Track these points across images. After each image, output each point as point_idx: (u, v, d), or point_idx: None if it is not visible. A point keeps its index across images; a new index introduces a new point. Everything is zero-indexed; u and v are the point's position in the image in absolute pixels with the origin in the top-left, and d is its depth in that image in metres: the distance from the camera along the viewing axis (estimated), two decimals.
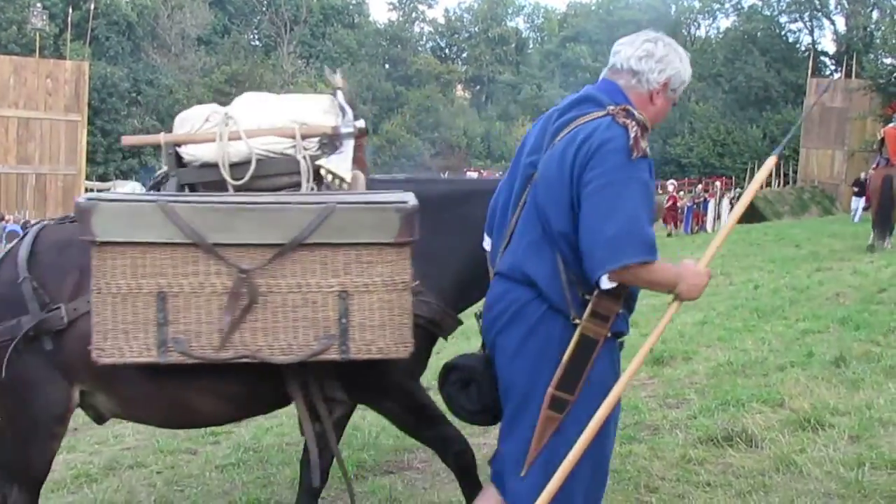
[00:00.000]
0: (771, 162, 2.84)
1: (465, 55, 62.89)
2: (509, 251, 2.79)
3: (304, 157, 3.21)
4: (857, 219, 20.91)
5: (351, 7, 61.76)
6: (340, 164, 3.25)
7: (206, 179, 3.21)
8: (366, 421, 5.51)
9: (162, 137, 3.25)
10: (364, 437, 5.18)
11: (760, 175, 2.85)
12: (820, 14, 49.84)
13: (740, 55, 47.09)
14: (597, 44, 56.55)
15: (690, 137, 45.51)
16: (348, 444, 5.06)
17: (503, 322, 2.75)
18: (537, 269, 2.66)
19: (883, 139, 14.34)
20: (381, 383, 3.30)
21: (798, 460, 4.19)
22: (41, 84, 23.80)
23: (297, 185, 3.22)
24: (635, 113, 2.61)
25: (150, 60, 49.47)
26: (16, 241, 3.30)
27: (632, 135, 2.54)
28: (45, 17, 33.00)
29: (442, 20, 64.77)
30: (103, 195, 2.99)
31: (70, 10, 36.24)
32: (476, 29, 62.75)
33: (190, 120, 3.31)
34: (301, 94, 3.57)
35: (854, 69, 35.01)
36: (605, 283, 2.52)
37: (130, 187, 33.99)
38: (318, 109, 3.33)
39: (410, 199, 2.93)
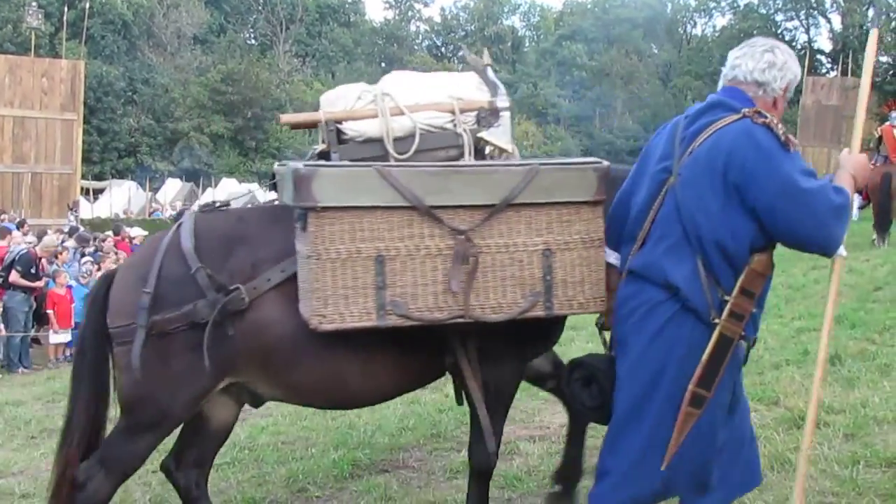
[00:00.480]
0: (875, 35, 3.10)
1: (461, 54, 62.78)
2: (643, 252, 2.89)
3: (465, 131, 3.29)
4: (854, 216, 20.92)
5: (347, 6, 61.68)
6: (501, 136, 3.38)
7: (369, 155, 3.23)
8: (361, 420, 5.50)
9: (322, 115, 3.28)
10: (359, 436, 5.18)
11: (870, 50, 3.05)
12: (816, 12, 49.90)
13: None
14: (593, 42, 56.56)
15: None
16: (343, 443, 5.06)
17: (634, 318, 2.86)
18: (677, 271, 2.78)
19: (880, 137, 14.39)
20: (505, 351, 3.31)
21: (793, 458, 4.18)
22: (37, 83, 23.66)
23: (455, 160, 3.26)
24: (768, 115, 2.77)
25: (146, 59, 49.41)
26: (169, 234, 3.25)
27: (780, 133, 2.72)
28: (40, 16, 32.80)
29: (438, 19, 64.80)
30: (317, 162, 3.06)
31: (66, 9, 36.15)
32: (472, 27, 62.69)
33: (343, 98, 3.35)
34: (447, 73, 3.65)
35: (850, 67, 35.02)
36: (843, 251, 2.86)
37: (126, 186, 34.01)
38: (470, 85, 3.42)
39: (602, 159, 3.08)
